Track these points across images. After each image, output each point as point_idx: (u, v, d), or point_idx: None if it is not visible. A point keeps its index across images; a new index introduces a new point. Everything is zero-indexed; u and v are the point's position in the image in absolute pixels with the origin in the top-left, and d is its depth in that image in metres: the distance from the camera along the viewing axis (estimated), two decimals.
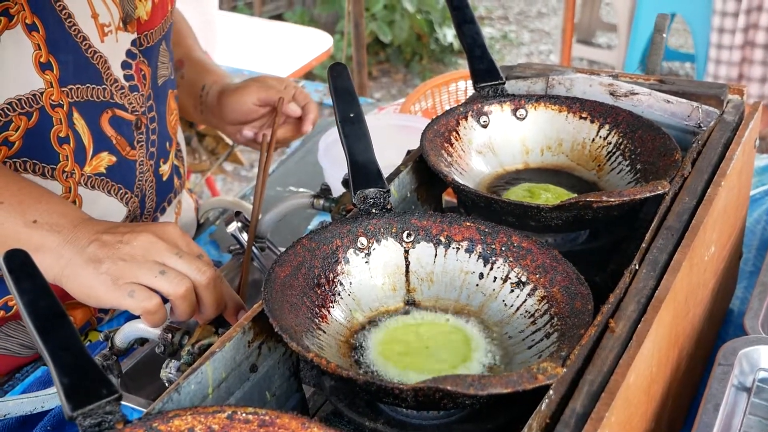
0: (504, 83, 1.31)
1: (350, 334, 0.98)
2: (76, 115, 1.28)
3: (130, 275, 1.06)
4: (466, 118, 1.27)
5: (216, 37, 3.33)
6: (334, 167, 1.57)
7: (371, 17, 5.53)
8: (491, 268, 1.02)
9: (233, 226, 1.37)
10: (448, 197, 1.35)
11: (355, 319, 0.99)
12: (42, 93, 1.23)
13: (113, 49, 1.31)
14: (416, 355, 0.92)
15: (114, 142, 1.34)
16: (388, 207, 1.06)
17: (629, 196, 1.02)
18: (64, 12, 1.23)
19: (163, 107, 1.46)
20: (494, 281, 1.02)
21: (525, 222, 1.09)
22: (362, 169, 1.08)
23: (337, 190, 1.37)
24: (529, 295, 0.99)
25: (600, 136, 1.27)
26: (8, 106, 1.22)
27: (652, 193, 1.02)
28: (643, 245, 0.99)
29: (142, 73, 1.38)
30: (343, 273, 1.01)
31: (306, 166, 1.96)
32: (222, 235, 1.67)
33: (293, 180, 1.92)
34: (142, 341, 1.15)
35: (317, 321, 0.96)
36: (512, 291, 1.00)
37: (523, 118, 1.30)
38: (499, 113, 1.29)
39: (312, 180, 1.87)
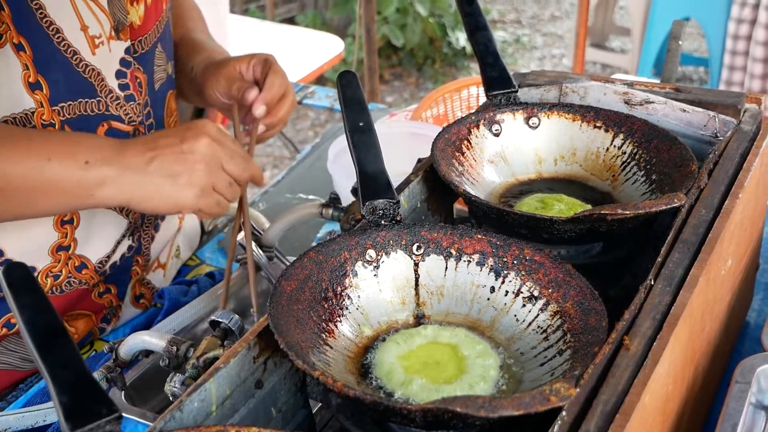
0: (516, 91, 1.29)
1: (358, 349, 0.95)
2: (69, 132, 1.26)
3: (208, 182, 1.20)
4: (477, 127, 1.25)
5: (227, 41, 3.31)
6: (344, 175, 1.55)
7: (383, 21, 5.51)
8: (503, 282, 1.00)
9: (240, 236, 1.35)
10: (460, 206, 1.32)
11: (363, 333, 0.97)
12: (33, 113, 1.22)
13: (106, 60, 1.27)
14: (425, 371, 0.90)
15: None
16: (398, 218, 1.04)
17: (645, 208, 0.99)
18: (51, 28, 1.19)
19: (161, 111, 1.43)
20: (506, 295, 0.99)
21: (538, 234, 1.07)
22: (371, 180, 1.06)
23: (347, 198, 1.35)
24: (541, 310, 0.96)
25: (614, 146, 1.24)
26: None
27: (669, 206, 1.00)
28: (659, 260, 0.96)
29: (138, 81, 1.34)
30: (351, 286, 0.99)
31: (315, 172, 1.94)
32: (229, 243, 1.65)
33: (302, 187, 1.89)
34: (147, 353, 1.14)
35: (324, 336, 0.94)
36: (524, 306, 0.98)
37: (536, 127, 1.28)
38: (511, 122, 1.27)
39: (322, 187, 1.85)
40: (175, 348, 1.06)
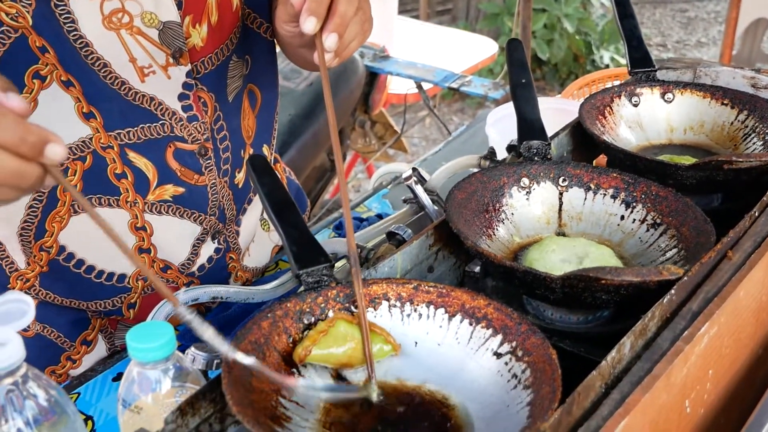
0: (656, 70, 1.50)
1: (510, 251, 1.19)
2: (132, 154, 1.30)
3: None
4: (619, 97, 1.47)
5: (393, 38, 3.64)
6: (500, 136, 1.78)
7: (531, 35, 5.72)
8: (631, 212, 1.22)
9: (409, 179, 1.60)
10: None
11: (514, 240, 1.20)
12: (91, 138, 1.27)
13: (162, 85, 1.29)
14: (564, 266, 1.12)
15: (179, 174, 1.36)
16: (549, 157, 1.27)
17: (756, 159, 1.20)
18: (98, 63, 1.23)
19: (236, 119, 1.44)
20: (633, 222, 1.21)
21: (664, 180, 1.27)
22: (529, 125, 1.30)
23: (502, 155, 1.58)
24: (662, 234, 1.18)
25: (738, 120, 1.44)
26: None
27: None
28: (764, 198, 1.17)
29: (202, 101, 1.35)
30: (507, 205, 1.23)
31: (470, 147, 2.18)
32: (393, 197, 1.91)
33: (457, 157, 2.13)
34: (336, 257, 1.39)
35: (484, 238, 1.18)
36: (648, 230, 1.19)
37: (671, 101, 1.49)
38: (649, 95, 1.48)
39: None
40: (359, 250, 1.32)
